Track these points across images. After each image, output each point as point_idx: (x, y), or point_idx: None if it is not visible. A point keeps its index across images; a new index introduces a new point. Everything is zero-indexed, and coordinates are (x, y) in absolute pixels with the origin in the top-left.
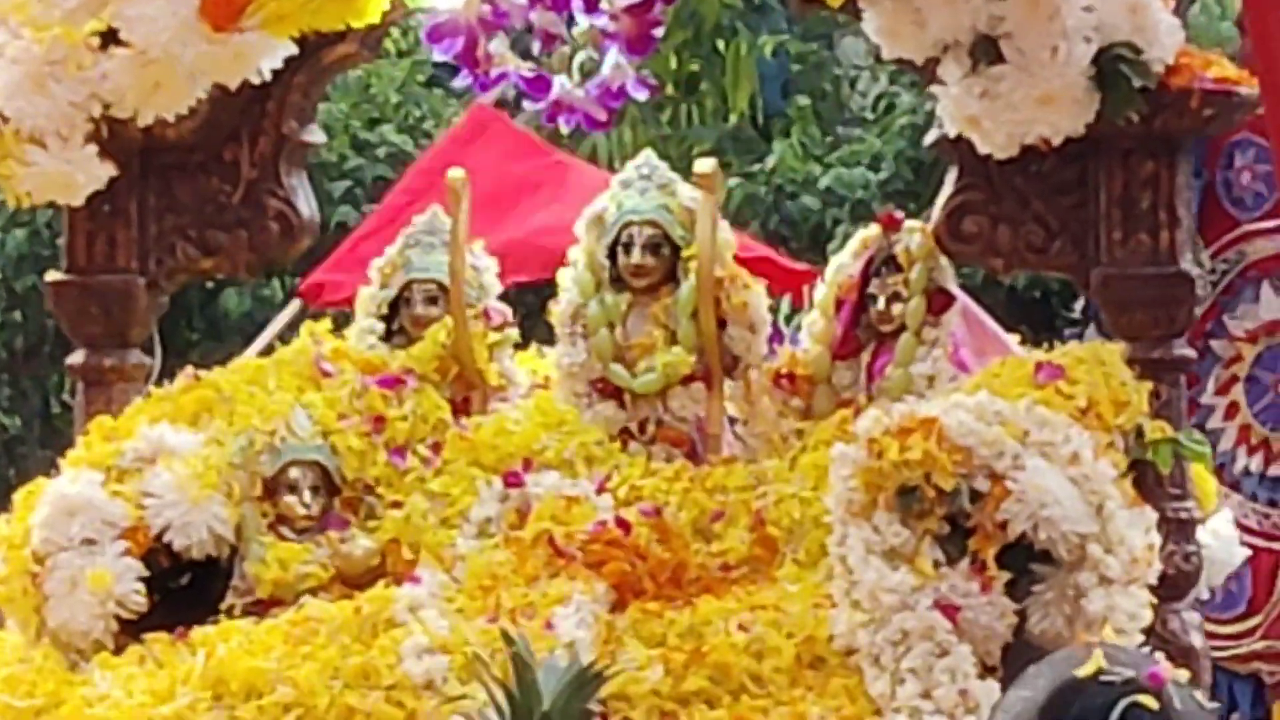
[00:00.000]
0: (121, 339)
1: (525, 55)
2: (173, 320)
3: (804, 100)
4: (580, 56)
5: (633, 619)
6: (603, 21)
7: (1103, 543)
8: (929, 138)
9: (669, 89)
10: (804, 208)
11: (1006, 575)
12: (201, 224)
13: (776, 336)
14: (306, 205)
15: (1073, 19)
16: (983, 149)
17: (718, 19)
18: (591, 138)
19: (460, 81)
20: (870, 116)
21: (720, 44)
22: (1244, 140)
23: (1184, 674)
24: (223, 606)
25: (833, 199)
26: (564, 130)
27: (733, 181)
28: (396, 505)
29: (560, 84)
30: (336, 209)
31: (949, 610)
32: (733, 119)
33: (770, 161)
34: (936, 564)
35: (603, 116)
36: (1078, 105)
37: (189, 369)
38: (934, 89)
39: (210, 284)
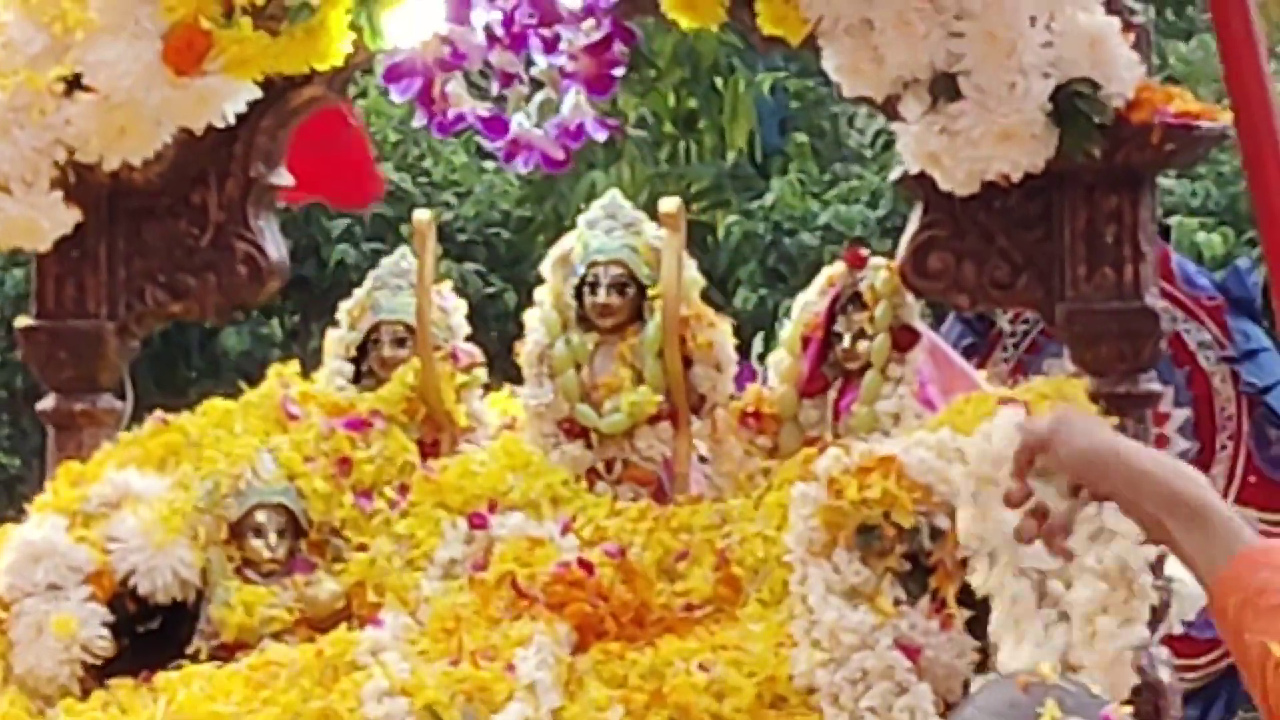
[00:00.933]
0: (92, 383)
1: (484, 95)
2: (171, 359)
3: (802, 137)
4: (539, 97)
5: (594, 660)
6: (562, 61)
7: (1063, 579)
8: (893, 174)
9: (667, 126)
10: (802, 244)
11: (967, 613)
12: (170, 268)
13: (749, 373)
14: (275, 248)
15: (1030, 55)
16: (944, 185)
17: (715, 56)
18: (591, 174)
19: (418, 122)
20: (868, 153)
21: (718, 81)
22: None
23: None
24: (189, 650)
25: (831, 236)
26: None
27: (731, 218)
28: (363, 548)
29: (518, 124)
30: (335, 247)
31: (910, 650)
32: (731, 156)
33: (769, 198)
34: (897, 602)
35: (560, 156)
36: (1037, 141)
37: (158, 413)
38: (894, 126)
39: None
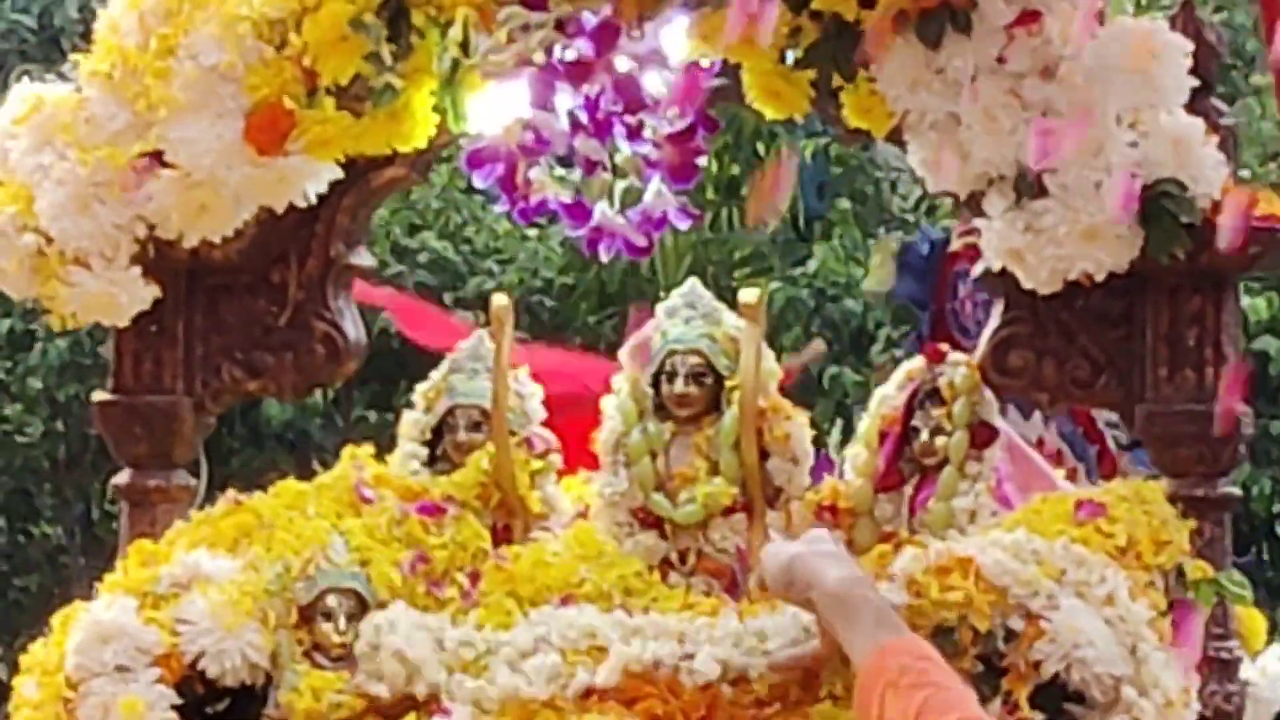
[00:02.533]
0: (166, 460)
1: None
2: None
3: (845, 203)
4: (622, 184)
5: None
6: (646, 149)
7: (1137, 685)
8: (976, 270)
9: (709, 193)
10: (846, 311)
11: (1040, 717)
12: (248, 345)
13: (827, 464)
14: (353, 327)
15: (1117, 154)
16: (1026, 283)
17: (757, 123)
18: None
19: (500, 208)
20: (911, 218)
21: (760, 147)
22: (965, 270)
23: None
24: None
25: (874, 301)
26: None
27: (774, 285)
28: None
29: (601, 211)
30: (378, 316)
31: None
32: (774, 223)
33: (812, 265)
34: None
35: (643, 243)
36: (1121, 241)
37: (230, 493)
38: (977, 222)
39: None
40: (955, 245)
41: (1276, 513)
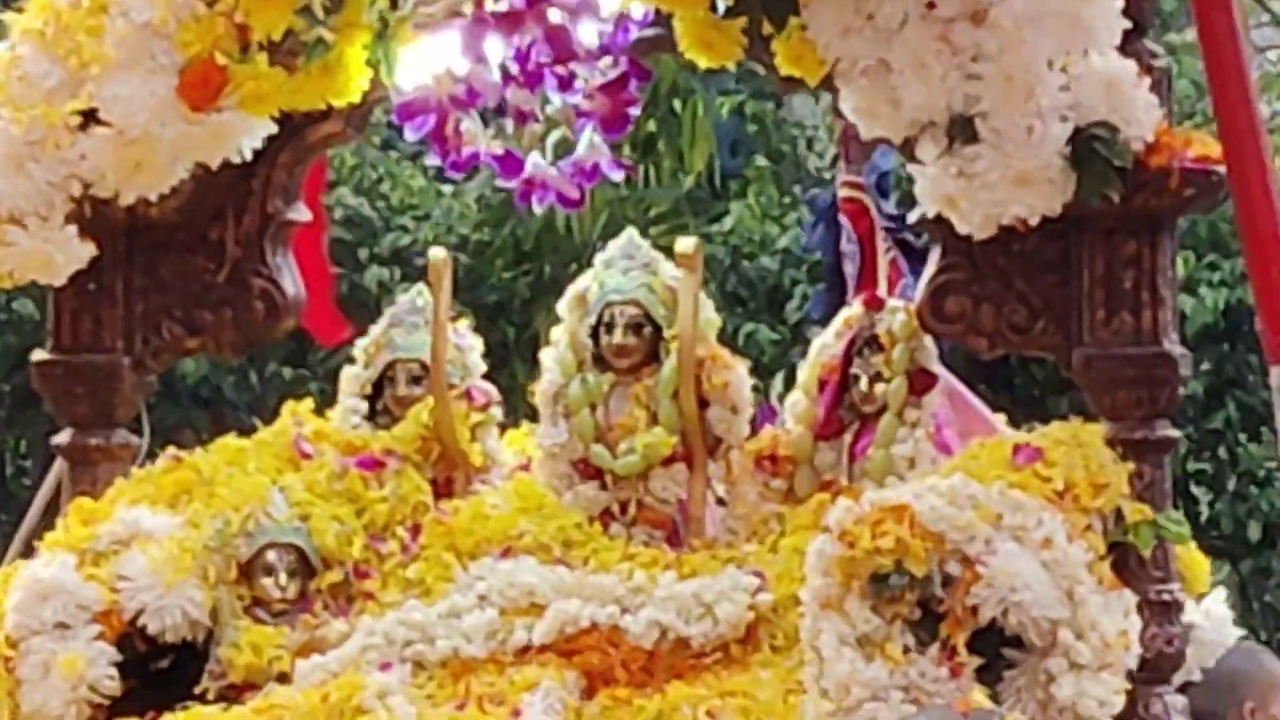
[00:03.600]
0: (107, 418)
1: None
2: None
3: (761, 161)
4: (554, 135)
5: (602, 706)
6: (577, 99)
7: (1074, 628)
8: (912, 216)
9: (625, 149)
10: (762, 269)
11: (978, 661)
12: (187, 303)
13: (770, 414)
14: (292, 284)
15: (1048, 98)
16: (960, 229)
17: (674, 80)
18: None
19: (431, 160)
20: (828, 176)
21: (676, 105)
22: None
23: None
24: (197, 690)
25: (790, 260)
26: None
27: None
28: (368, 595)
29: (533, 163)
30: None
31: (919, 701)
32: (689, 180)
33: (728, 222)
34: (906, 650)
35: (575, 195)
36: (1054, 185)
37: (170, 449)
38: (911, 168)
39: None
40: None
41: (1190, 471)
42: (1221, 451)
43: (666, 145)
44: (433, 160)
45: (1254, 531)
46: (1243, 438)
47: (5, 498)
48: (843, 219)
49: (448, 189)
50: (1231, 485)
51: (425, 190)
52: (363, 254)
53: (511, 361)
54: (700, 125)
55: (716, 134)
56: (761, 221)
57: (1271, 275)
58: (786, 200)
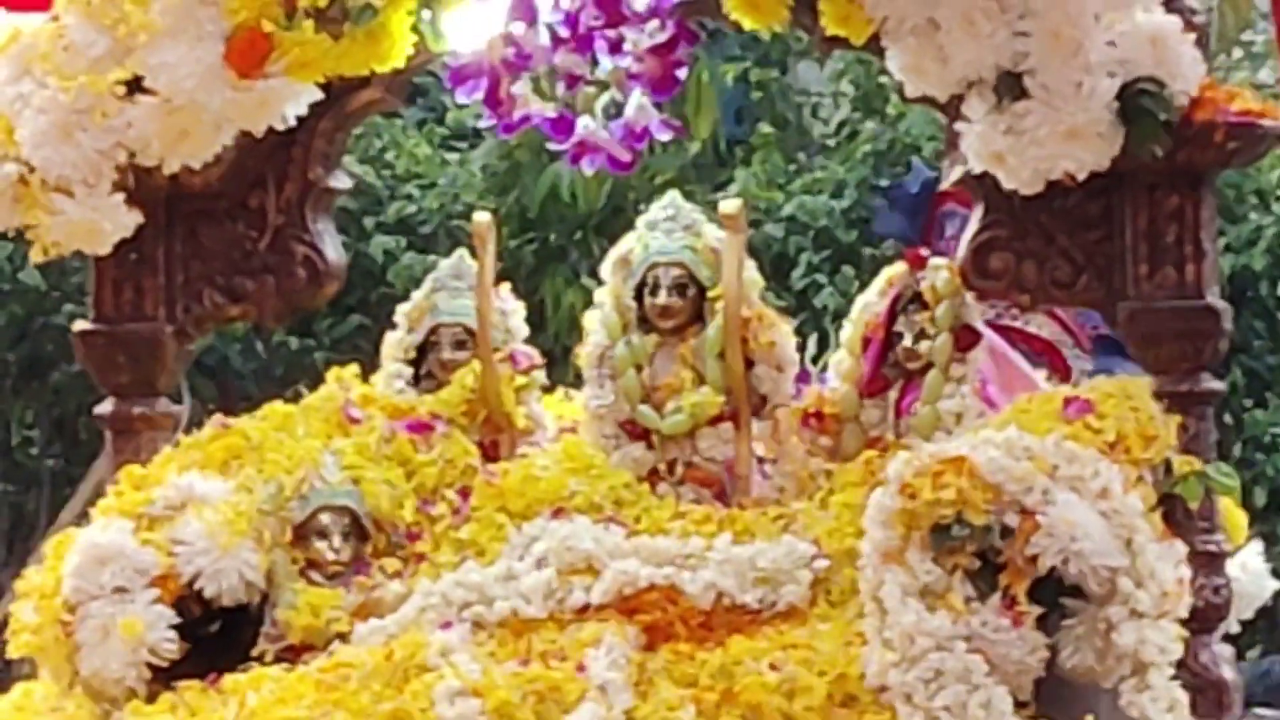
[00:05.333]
0: (149, 387)
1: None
2: None
3: (766, 128)
4: (604, 98)
5: (664, 660)
6: (626, 62)
7: (1133, 576)
8: (953, 175)
9: None
10: (767, 236)
11: (1038, 610)
12: (228, 271)
13: (803, 376)
14: (333, 250)
15: (1096, 54)
16: (1007, 185)
17: None
18: (554, 166)
19: (485, 123)
20: (833, 144)
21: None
22: (951, 211)
23: None
24: (255, 653)
25: (796, 227)
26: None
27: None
28: (420, 557)
29: (584, 125)
30: None
31: (983, 651)
32: (694, 147)
33: (733, 190)
34: (968, 600)
35: (626, 158)
36: (1102, 140)
37: (218, 416)
38: (958, 126)
39: None
40: (946, 185)
41: None
42: (1227, 417)
43: (672, 112)
44: (438, 128)
45: (1259, 498)
46: (1248, 403)
47: (11, 467)
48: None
49: (453, 157)
50: (1237, 451)
51: (430, 159)
52: (368, 223)
53: None
54: (705, 92)
55: (721, 101)
56: (767, 188)
57: None
58: (792, 167)
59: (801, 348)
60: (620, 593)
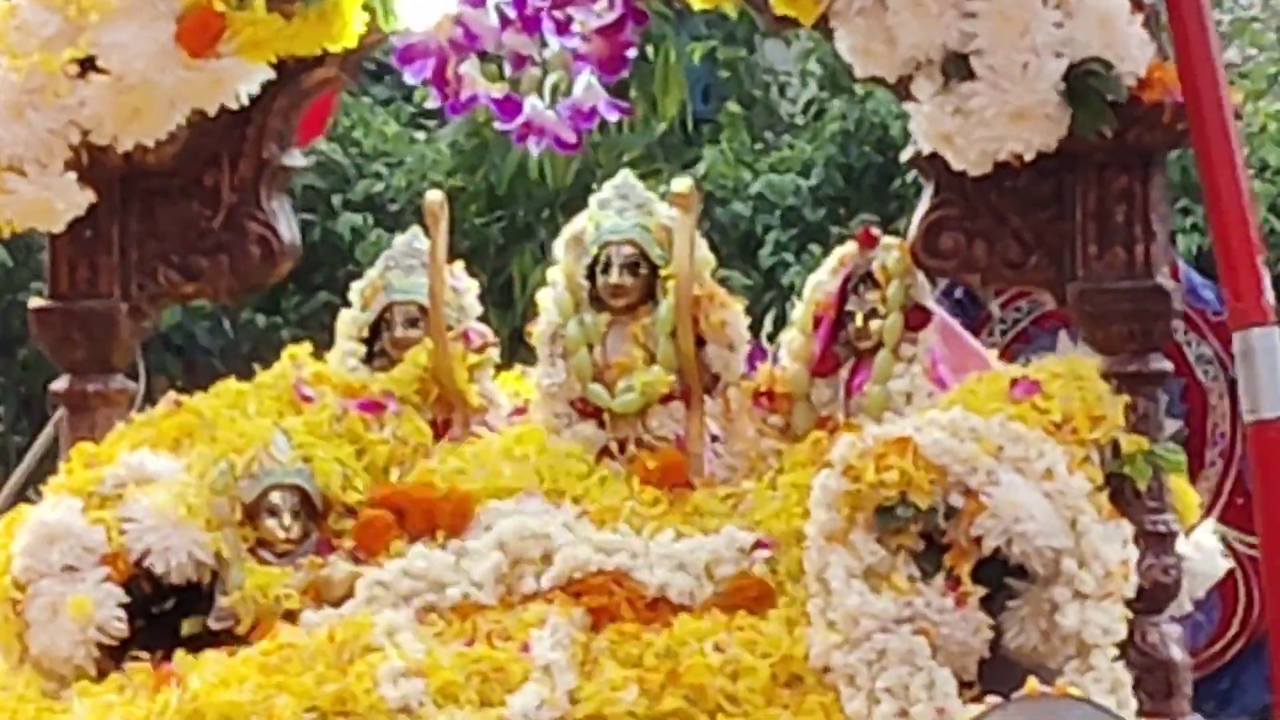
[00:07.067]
0: (104, 364)
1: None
2: None
3: (734, 106)
4: (552, 78)
5: (609, 640)
6: (574, 43)
7: (1077, 557)
8: (905, 154)
9: None
10: (734, 214)
11: (981, 590)
12: (183, 249)
13: (760, 353)
14: (288, 229)
15: (1043, 35)
16: (956, 166)
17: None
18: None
19: (432, 103)
20: (800, 122)
21: (649, 50)
22: None
23: None
24: (184, 633)
25: (763, 205)
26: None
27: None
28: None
29: (531, 105)
30: None
31: (926, 632)
32: (662, 126)
33: (700, 168)
34: (912, 580)
35: (573, 138)
36: (1049, 121)
37: (170, 394)
38: (907, 106)
39: None
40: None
41: None
42: None
43: (639, 91)
44: (405, 106)
45: None
46: None
47: None
48: None
49: (421, 135)
50: None
51: (398, 137)
52: (336, 200)
53: (486, 307)
54: (672, 71)
55: (688, 79)
56: (734, 167)
57: (1232, 244)
58: (759, 146)
59: (757, 326)
60: (570, 577)
